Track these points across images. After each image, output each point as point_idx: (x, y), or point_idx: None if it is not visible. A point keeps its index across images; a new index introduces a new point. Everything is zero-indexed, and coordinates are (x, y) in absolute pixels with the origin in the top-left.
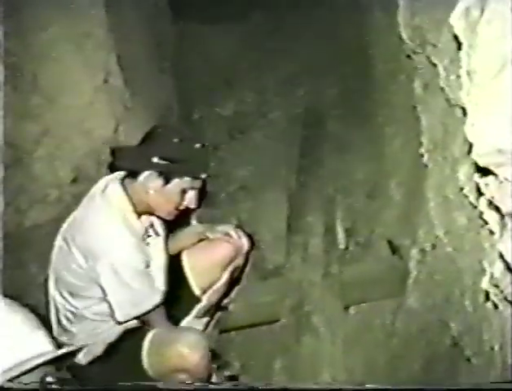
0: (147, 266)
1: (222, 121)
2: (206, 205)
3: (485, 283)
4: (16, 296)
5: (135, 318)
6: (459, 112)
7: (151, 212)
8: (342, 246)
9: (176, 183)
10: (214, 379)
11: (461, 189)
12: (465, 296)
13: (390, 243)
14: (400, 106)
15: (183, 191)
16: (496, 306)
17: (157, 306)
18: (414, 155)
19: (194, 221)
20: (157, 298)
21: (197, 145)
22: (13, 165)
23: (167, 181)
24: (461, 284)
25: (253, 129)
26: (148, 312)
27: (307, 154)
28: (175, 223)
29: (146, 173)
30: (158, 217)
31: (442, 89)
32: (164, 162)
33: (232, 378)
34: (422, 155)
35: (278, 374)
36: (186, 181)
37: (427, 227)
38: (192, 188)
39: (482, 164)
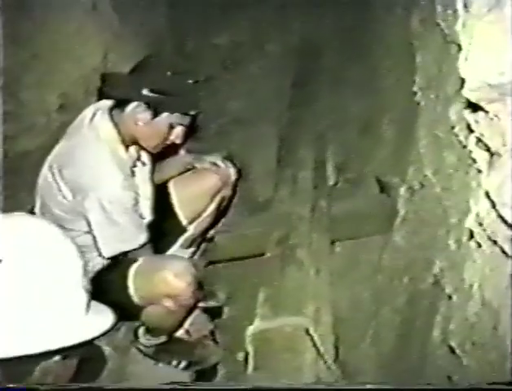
0: (136, 203)
1: (216, 52)
2: (197, 137)
3: (469, 222)
4: None
5: (121, 254)
6: (454, 50)
7: (137, 143)
8: (331, 182)
9: (165, 117)
10: (202, 304)
11: (452, 128)
12: (450, 235)
13: (379, 180)
14: (396, 41)
15: (171, 126)
16: (479, 245)
17: (144, 244)
18: (408, 92)
19: (182, 152)
20: (143, 238)
21: (190, 81)
22: (2, 92)
23: (156, 114)
24: (447, 223)
25: (247, 60)
26: (135, 250)
27: (301, 87)
28: (162, 155)
29: (134, 104)
30: (145, 149)
31: (438, 24)
32: (154, 95)
33: (217, 309)
34: (415, 93)
35: (262, 305)
36: (175, 116)
37: (417, 166)
38: (181, 124)
39: (473, 99)
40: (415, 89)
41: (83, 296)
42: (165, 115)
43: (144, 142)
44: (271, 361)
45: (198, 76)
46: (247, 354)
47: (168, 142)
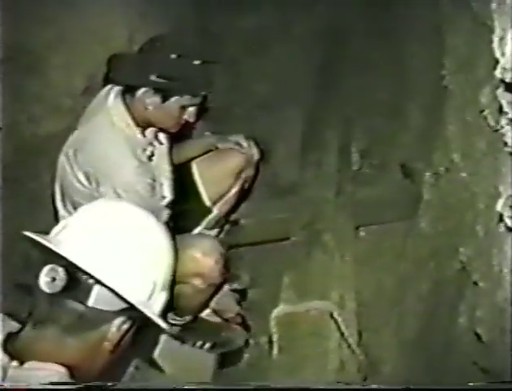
0: (153, 189)
1: (241, 34)
2: (220, 119)
3: (500, 206)
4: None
5: None
6: (485, 31)
7: (153, 125)
8: (356, 166)
9: (175, 101)
10: (226, 287)
11: (482, 111)
12: (477, 220)
13: (404, 166)
14: (425, 24)
15: (183, 107)
16: (509, 229)
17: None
18: (435, 76)
19: (207, 133)
20: (160, 220)
21: (196, 61)
22: (28, 72)
23: (165, 98)
24: (474, 209)
25: (273, 43)
26: None
27: (327, 71)
28: (180, 134)
29: (143, 90)
30: (162, 129)
31: (469, 5)
32: (162, 80)
33: (241, 291)
34: (443, 77)
35: (287, 289)
36: (185, 98)
37: (443, 151)
38: (192, 105)
39: (508, 79)
40: (444, 72)
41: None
42: (174, 98)
43: (159, 124)
44: (296, 345)
45: (222, 55)
46: (271, 338)
47: (182, 122)
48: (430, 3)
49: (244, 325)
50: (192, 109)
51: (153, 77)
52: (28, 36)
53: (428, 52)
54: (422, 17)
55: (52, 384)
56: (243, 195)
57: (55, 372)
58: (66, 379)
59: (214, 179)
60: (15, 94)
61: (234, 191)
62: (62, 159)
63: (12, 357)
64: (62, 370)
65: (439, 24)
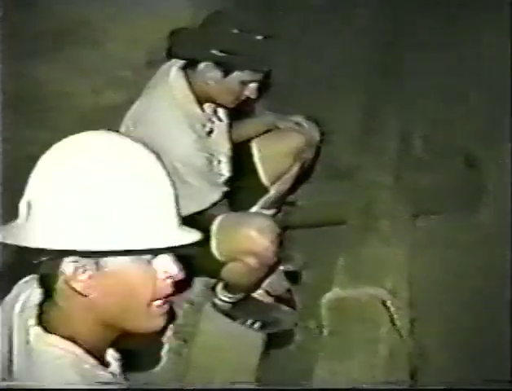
0: (210, 163)
1: (304, 13)
2: (280, 99)
3: None
4: None
5: (195, 213)
6: None
7: (213, 101)
8: (417, 153)
9: (236, 76)
10: (280, 267)
11: None
12: None
13: (466, 154)
14: (495, 7)
15: (244, 83)
16: None
17: (218, 202)
18: (503, 60)
19: (267, 112)
20: (217, 195)
21: (259, 37)
22: (90, 45)
23: (226, 73)
24: None
25: (336, 23)
26: (208, 209)
27: (391, 53)
28: (239, 111)
29: (204, 64)
30: (221, 104)
31: None
32: (223, 54)
33: (294, 273)
34: None
35: (340, 273)
36: (246, 73)
37: (508, 141)
38: (253, 81)
39: None
40: None
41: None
42: (235, 73)
43: (219, 99)
44: (346, 330)
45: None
46: (320, 322)
47: (242, 98)
48: None
49: (293, 306)
50: (253, 85)
51: (215, 51)
52: (89, 9)
53: (497, 37)
54: (493, 1)
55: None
56: (301, 176)
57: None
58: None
59: (273, 159)
60: (77, 66)
61: (293, 171)
62: (122, 130)
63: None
64: (78, 351)
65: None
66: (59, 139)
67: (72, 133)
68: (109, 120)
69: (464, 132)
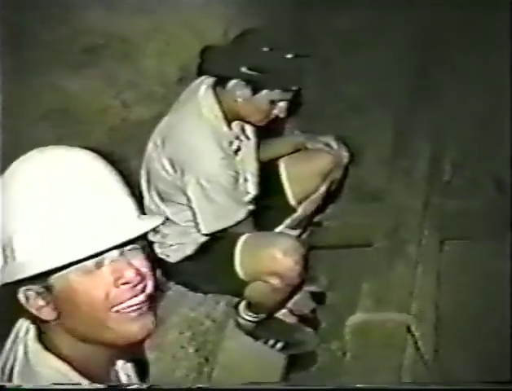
0: (236, 181)
1: (336, 35)
2: (311, 118)
3: None
4: None
5: (220, 231)
6: None
7: (241, 119)
8: (446, 178)
9: (265, 94)
10: (305, 288)
11: None
12: None
13: (497, 180)
14: None
15: (273, 102)
16: None
17: (243, 220)
18: None
19: (296, 131)
20: (242, 214)
21: (289, 55)
22: (122, 60)
23: (255, 91)
24: None
25: (368, 46)
26: (232, 226)
27: (421, 77)
28: (268, 130)
29: (234, 82)
30: (249, 122)
31: None
32: (252, 72)
33: (319, 294)
34: None
35: (366, 297)
36: (276, 93)
37: None
38: (282, 99)
39: None
40: None
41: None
42: (264, 92)
43: (247, 117)
44: (369, 354)
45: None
46: (344, 345)
47: (272, 117)
48: None
49: (316, 327)
50: (282, 104)
51: (244, 69)
52: (123, 24)
53: None
54: None
55: (56, 384)
56: (329, 196)
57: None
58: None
59: (301, 178)
60: (109, 80)
61: (320, 191)
62: (150, 146)
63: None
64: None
65: None
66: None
67: (102, 147)
68: (138, 134)
69: (495, 158)
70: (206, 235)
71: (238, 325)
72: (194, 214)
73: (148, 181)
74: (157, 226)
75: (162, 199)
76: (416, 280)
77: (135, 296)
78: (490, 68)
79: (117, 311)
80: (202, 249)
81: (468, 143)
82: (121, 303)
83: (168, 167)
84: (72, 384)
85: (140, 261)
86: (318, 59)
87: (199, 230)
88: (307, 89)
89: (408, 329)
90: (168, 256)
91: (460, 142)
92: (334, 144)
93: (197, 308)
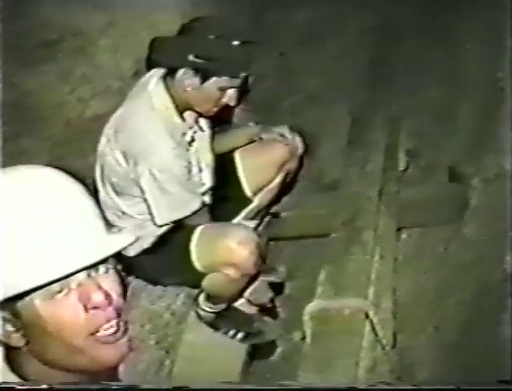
0: (189, 171)
1: (292, 28)
2: (266, 110)
3: None
4: None
5: (174, 222)
6: None
7: (192, 108)
8: (401, 167)
9: (214, 82)
10: (262, 278)
11: None
12: None
13: (451, 169)
14: (483, 22)
15: (222, 89)
16: None
17: (198, 210)
18: (491, 78)
19: (251, 123)
20: (196, 204)
21: (235, 42)
22: (78, 55)
23: (204, 79)
24: None
25: (324, 37)
26: (188, 217)
27: (378, 68)
28: (219, 121)
29: (182, 71)
30: (200, 113)
31: None
32: (200, 60)
33: (278, 285)
34: (500, 79)
35: (323, 285)
36: (224, 80)
37: (494, 156)
38: (231, 87)
39: None
40: (500, 74)
41: (100, 223)
42: (213, 79)
43: (197, 106)
44: (328, 341)
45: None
46: (304, 334)
47: (221, 105)
48: (490, 3)
49: (276, 316)
50: (231, 92)
51: (192, 57)
52: (78, 19)
53: (484, 53)
54: (481, 17)
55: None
56: (285, 187)
57: None
58: None
59: (257, 170)
60: (64, 75)
61: (276, 182)
62: (103, 139)
63: None
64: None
65: (499, 24)
66: (46, 148)
67: (58, 142)
68: (94, 129)
69: (449, 146)
70: (161, 226)
71: (198, 317)
72: (148, 206)
73: (102, 175)
74: (129, 245)
75: (116, 192)
76: (373, 267)
77: (109, 320)
78: (446, 58)
79: (93, 336)
80: (160, 242)
81: (423, 133)
82: (97, 328)
83: (121, 160)
84: (72, 384)
85: (110, 283)
86: (274, 47)
87: (154, 222)
88: (264, 81)
89: (367, 315)
90: (126, 249)
91: (415, 132)
92: (288, 134)
93: (157, 301)
